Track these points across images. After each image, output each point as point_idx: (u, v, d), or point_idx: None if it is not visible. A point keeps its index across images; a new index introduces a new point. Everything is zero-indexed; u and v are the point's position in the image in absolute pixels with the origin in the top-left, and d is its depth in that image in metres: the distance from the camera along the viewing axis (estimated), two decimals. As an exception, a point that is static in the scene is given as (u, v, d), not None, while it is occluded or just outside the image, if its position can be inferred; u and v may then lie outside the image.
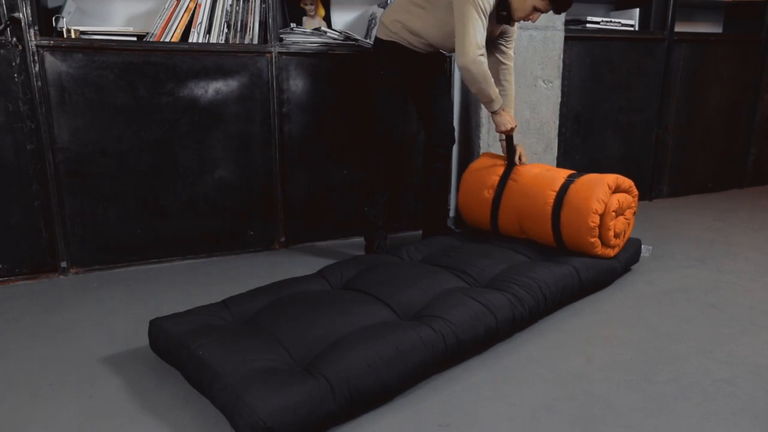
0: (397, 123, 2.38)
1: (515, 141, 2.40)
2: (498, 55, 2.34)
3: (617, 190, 2.17)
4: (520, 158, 2.38)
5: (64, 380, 1.56)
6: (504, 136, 2.37)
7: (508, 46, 2.34)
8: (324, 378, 1.33)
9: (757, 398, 1.47)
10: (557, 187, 2.18)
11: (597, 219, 2.08)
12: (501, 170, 2.38)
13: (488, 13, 2.07)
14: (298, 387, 1.29)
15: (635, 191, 2.24)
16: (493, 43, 2.33)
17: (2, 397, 1.49)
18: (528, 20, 2.13)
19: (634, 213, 2.27)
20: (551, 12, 2.11)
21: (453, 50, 2.31)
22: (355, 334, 1.50)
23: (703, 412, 1.41)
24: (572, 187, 2.15)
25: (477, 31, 2.04)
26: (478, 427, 1.36)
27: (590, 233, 2.09)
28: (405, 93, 2.37)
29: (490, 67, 2.37)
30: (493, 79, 2.16)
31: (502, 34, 2.31)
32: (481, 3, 2.02)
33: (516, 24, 2.27)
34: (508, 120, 2.27)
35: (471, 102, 2.87)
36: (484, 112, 2.79)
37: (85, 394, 1.50)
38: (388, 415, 1.40)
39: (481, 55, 2.08)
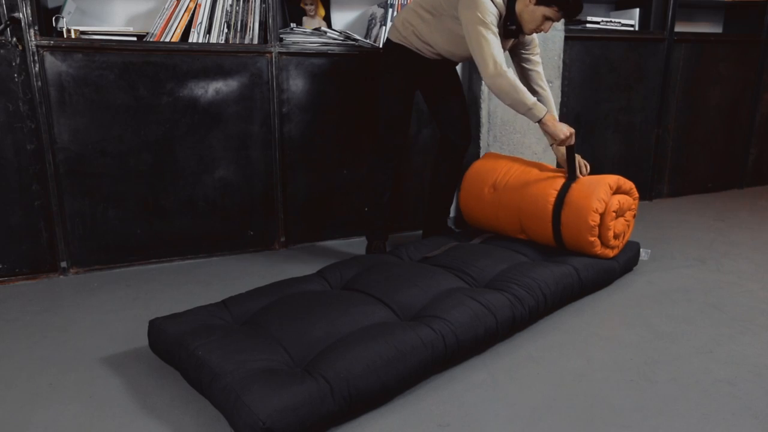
0: (402, 125, 2.37)
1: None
2: (523, 64, 2.31)
3: (618, 191, 2.17)
4: (581, 170, 2.24)
5: (64, 380, 1.56)
6: (561, 147, 2.18)
7: (531, 53, 2.28)
8: (323, 378, 1.33)
9: (757, 398, 1.47)
10: (558, 186, 2.18)
11: (597, 218, 2.08)
12: (503, 169, 2.37)
13: (496, 25, 2.04)
14: (297, 387, 1.29)
15: (636, 194, 2.24)
16: (515, 54, 2.31)
17: (2, 397, 1.49)
18: (540, 31, 2.08)
19: (634, 215, 2.27)
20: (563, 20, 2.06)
21: (461, 60, 2.30)
22: (355, 335, 1.50)
23: (703, 412, 1.41)
24: (574, 186, 2.15)
25: (492, 47, 2.00)
26: (478, 427, 1.36)
27: (590, 232, 2.09)
28: (411, 96, 2.35)
29: (519, 76, 2.32)
30: (524, 87, 2.04)
31: (521, 45, 2.28)
32: (485, 18, 1.99)
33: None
34: (559, 128, 2.07)
35: (471, 102, 2.86)
36: (484, 112, 2.79)
37: (85, 394, 1.50)
38: (387, 415, 1.40)
39: (502, 68, 2.01)
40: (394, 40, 2.29)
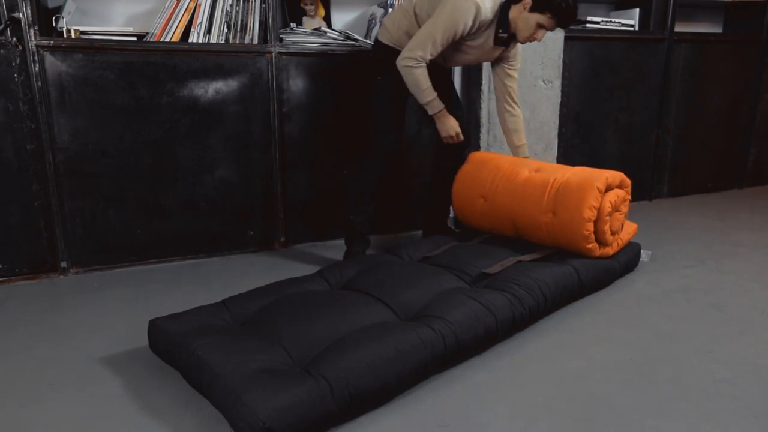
0: (395, 127, 2.34)
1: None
2: (503, 79, 2.33)
3: (609, 188, 2.13)
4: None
5: (64, 380, 1.56)
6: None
7: (512, 68, 2.32)
8: (323, 378, 1.33)
9: (757, 398, 1.47)
10: (548, 192, 2.15)
11: (591, 226, 2.07)
12: (489, 176, 2.33)
13: (452, 41, 2.08)
14: (297, 387, 1.29)
15: (627, 182, 2.21)
16: (497, 67, 2.33)
17: (2, 397, 1.49)
18: (533, 40, 2.10)
19: (628, 202, 2.23)
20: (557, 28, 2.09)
21: (452, 66, 2.29)
22: (355, 335, 1.50)
23: (703, 412, 1.41)
24: (565, 194, 2.10)
25: (427, 46, 2.06)
26: (478, 427, 1.36)
27: (586, 240, 2.08)
28: (404, 99, 2.33)
29: (496, 89, 2.38)
30: (429, 85, 2.12)
31: (505, 59, 2.29)
32: (448, 29, 2.03)
33: (520, 45, 2.26)
34: (450, 125, 2.23)
35: (471, 102, 2.87)
36: (484, 112, 2.79)
37: (85, 394, 1.50)
38: (387, 415, 1.40)
39: (417, 62, 2.08)
40: (385, 41, 2.28)
